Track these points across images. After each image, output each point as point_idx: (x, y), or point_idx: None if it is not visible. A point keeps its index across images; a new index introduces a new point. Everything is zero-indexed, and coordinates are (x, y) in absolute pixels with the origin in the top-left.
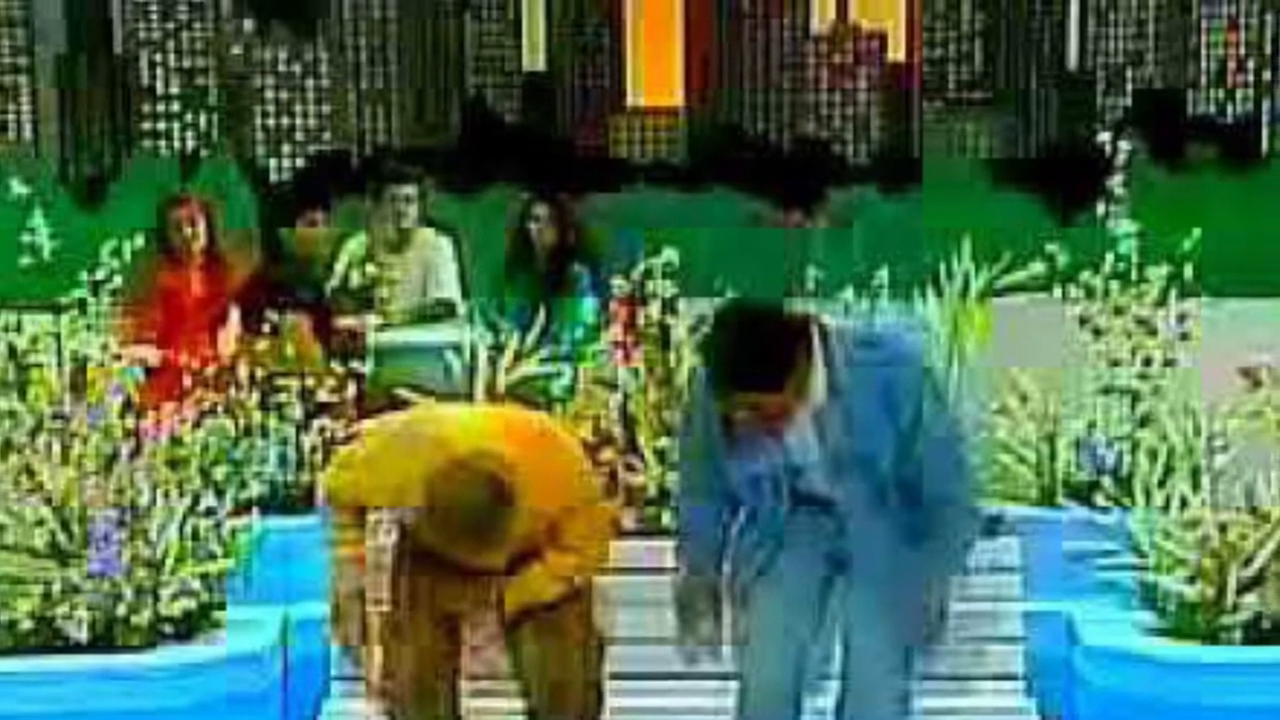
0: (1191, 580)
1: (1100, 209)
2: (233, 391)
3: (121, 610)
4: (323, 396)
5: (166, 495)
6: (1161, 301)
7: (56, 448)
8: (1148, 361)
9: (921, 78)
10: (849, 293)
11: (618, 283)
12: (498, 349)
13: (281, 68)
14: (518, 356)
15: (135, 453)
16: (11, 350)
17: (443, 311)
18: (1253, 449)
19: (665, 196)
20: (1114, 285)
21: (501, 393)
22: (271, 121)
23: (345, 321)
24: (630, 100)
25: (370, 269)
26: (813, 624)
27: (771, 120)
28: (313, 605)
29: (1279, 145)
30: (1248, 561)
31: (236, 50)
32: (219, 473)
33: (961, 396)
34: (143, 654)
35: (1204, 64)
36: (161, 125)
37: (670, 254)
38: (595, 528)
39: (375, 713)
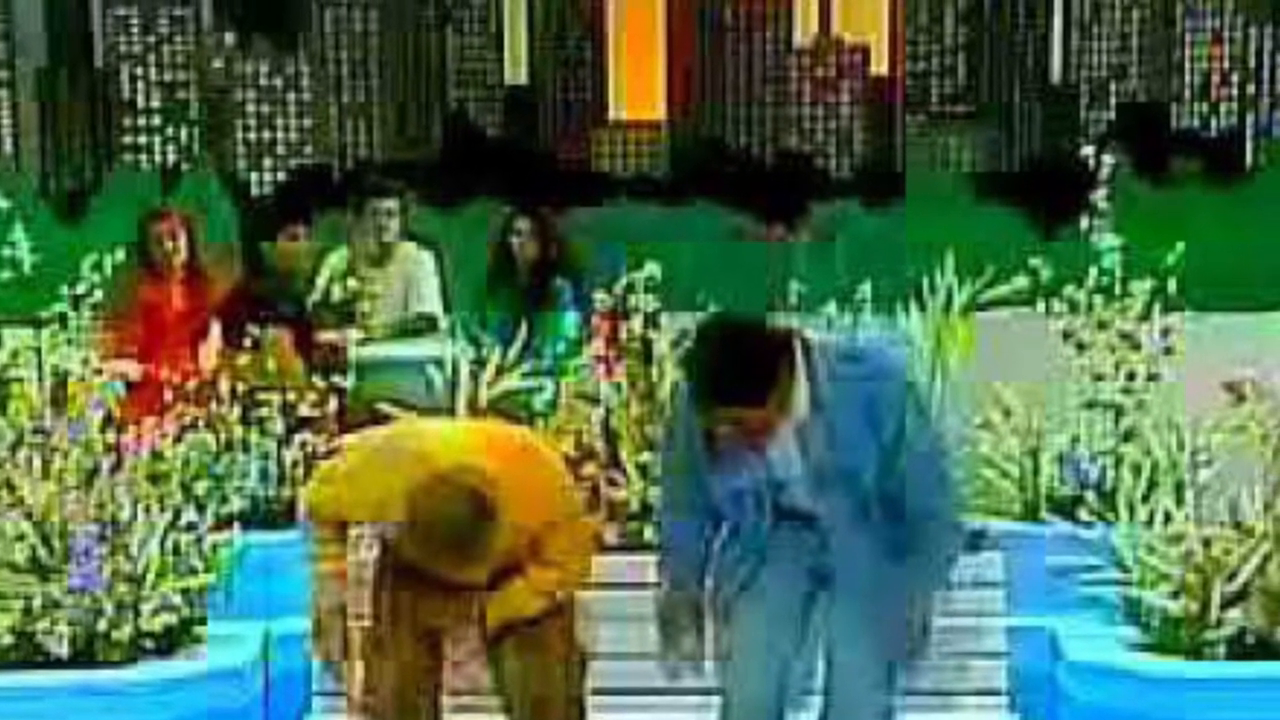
0: (1175, 595)
1: (1084, 223)
2: (214, 406)
3: (102, 625)
4: (304, 411)
5: (147, 510)
6: (1145, 316)
7: (37, 462)
8: (1131, 376)
9: (904, 91)
10: (832, 307)
11: (600, 297)
12: (479, 363)
13: (263, 81)
14: (499, 371)
15: (116, 467)
16: None
17: (424, 326)
18: (1236, 464)
19: (647, 210)
20: (1097, 299)
21: (483, 407)
22: (252, 135)
23: (326, 336)
24: (612, 114)
25: (351, 283)
26: (795, 639)
27: (754, 134)
28: (294, 620)
29: (1263, 159)
30: (1231, 576)
31: (217, 64)
32: (200, 487)
33: (944, 411)
34: (123, 669)
35: (1188, 78)
36: (142, 139)
37: (652, 268)
38: (577, 543)
39: None
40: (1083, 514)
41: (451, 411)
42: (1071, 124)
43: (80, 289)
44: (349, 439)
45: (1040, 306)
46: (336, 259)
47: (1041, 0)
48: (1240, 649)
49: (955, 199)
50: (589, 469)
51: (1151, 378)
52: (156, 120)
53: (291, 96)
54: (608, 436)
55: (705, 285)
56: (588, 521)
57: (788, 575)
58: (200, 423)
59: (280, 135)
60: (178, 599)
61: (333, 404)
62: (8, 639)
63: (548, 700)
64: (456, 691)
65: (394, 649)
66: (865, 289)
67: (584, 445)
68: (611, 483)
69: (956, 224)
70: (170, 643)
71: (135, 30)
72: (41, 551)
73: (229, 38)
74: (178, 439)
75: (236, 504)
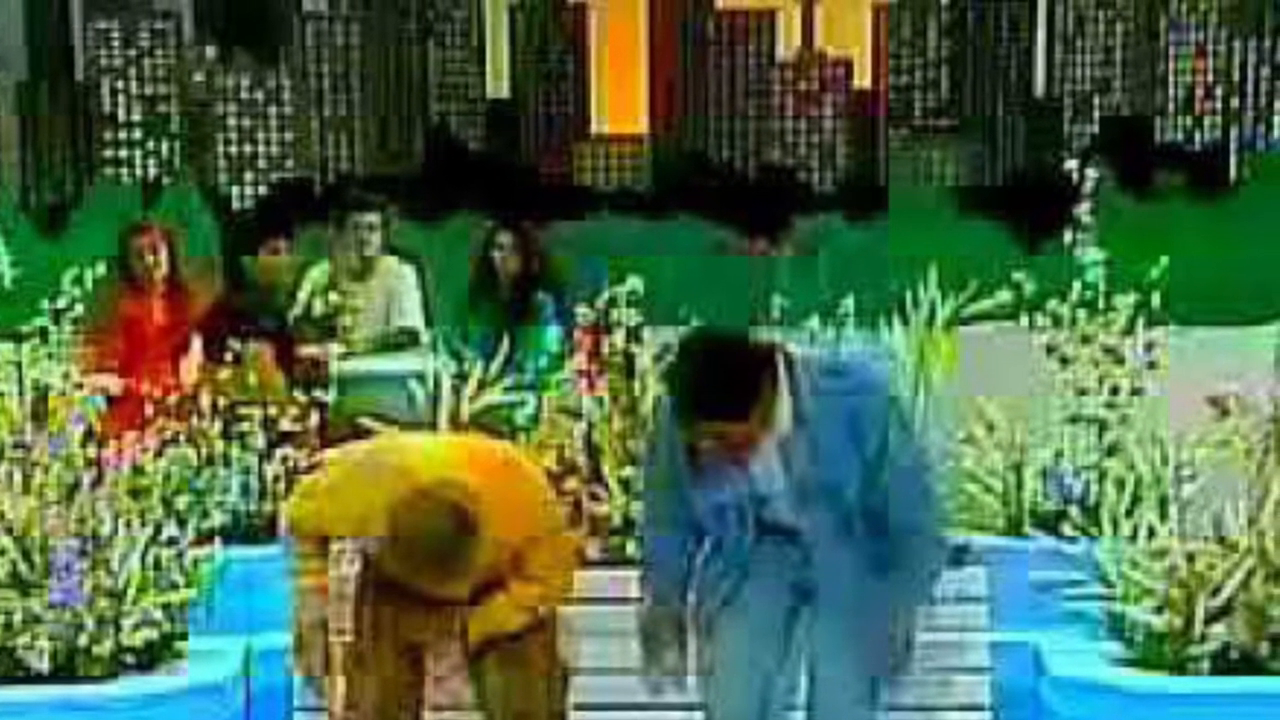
0: (1159, 610)
1: (1067, 237)
2: (195, 420)
3: (83, 640)
4: (285, 425)
5: (128, 525)
6: (1129, 330)
7: (18, 477)
8: (1115, 390)
9: (887, 105)
10: (815, 321)
11: (582, 311)
12: (461, 378)
13: (244, 95)
14: (481, 385)
15: (97, 482)
16: None
17: (406, 340)
18: (1220, 478)
19: (630, 224)
20: (1081, 314)
21: (465, 422)
22: (234, 149)
23: (308, 350)
24: (595, 127)
25: (333, 297)
26: (778, 654)
27: (736, 147)
28: (275, 635)
29: (1247, 173)
30: (1215, 591)
31: (199, 77)
32: (181, 502)
33: (928, 425)
34: (104, 684)
35: (1172, 91)
36: (123, 152)
37: (635, 282)
38: (559, 557)
39: None
40: (1066, 529)
41: (433, 426)
42: (1055, 138)
43: (61, 303)
44: (330, 454)
45: (1024, 321)
46: (318, 273)
47: (1024, 14)
48: (1224, 664)
49: (938, 213)
50: (571, 484)
51: (1135, 392)
52: (137, 134)
53: (273, 110)
54: (590, 451)
55: (688, 299)
56: (570, 536)
57: (770, 590)
58: (181, 437)
59: (261, 149)
60: (159, 614)
61: (314, 419)
62: None
63: (530, 715)
64: (438, 707)
65: (375, 664)
66: (848, 303)
67: (566, 460)
68: (594, 497)
69: (940, 238)
70: (151, 658)
71: (116, 44)
72: (22, 566)
73: (210, 51)
74: (158, 453)
75: (218, 519)
